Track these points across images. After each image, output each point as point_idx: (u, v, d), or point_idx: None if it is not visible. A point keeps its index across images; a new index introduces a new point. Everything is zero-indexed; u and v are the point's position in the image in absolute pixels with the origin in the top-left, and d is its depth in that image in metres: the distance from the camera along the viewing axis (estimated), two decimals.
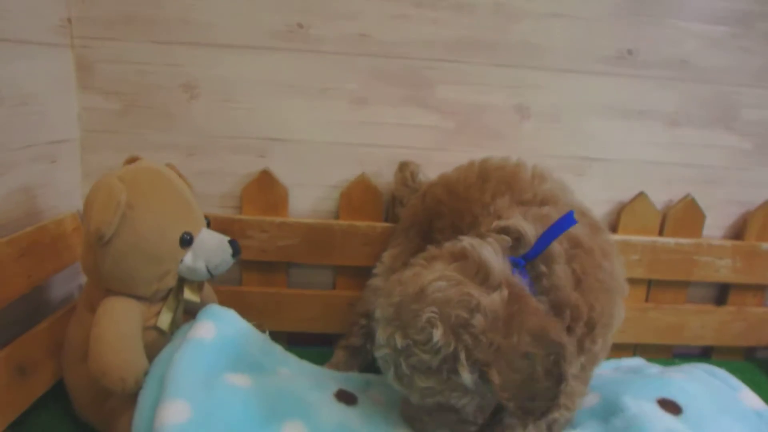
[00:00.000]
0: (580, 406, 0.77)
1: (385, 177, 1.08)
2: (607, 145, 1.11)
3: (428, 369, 0.63)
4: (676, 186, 1.14)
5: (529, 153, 1.07)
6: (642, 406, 0.76)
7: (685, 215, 1.12)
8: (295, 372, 0.85)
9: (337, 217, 1.09)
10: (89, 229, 0.75)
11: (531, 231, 0.70)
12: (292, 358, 0.89)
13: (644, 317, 1.14)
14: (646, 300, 1.16)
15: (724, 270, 1.13)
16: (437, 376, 0.63)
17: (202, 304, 0.90)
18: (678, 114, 1.11)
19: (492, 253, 0.67)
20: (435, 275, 0.65)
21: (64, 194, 1.01)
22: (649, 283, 1.15)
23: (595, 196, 1.10)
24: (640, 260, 1.11)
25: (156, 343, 0.81)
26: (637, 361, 1.06)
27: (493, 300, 0.63)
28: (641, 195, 1.11)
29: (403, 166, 1.05)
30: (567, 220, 0.69)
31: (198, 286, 0.84)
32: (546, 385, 0.62)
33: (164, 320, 0.82)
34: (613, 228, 1.14)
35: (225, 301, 0.86)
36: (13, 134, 0.88)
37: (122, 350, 0.75)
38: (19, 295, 0.83)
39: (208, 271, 0.81)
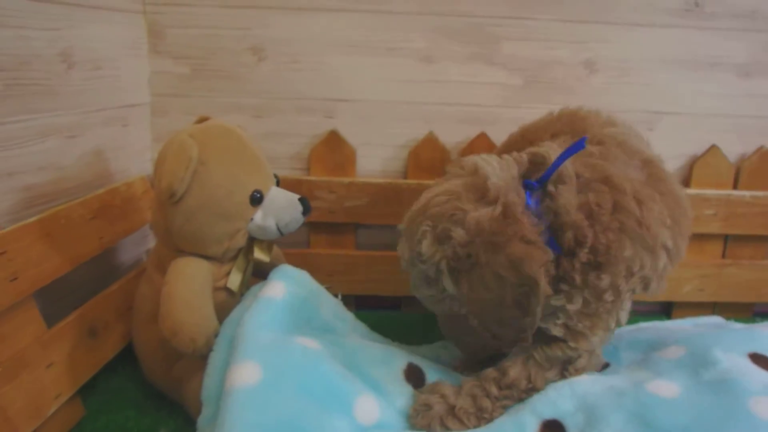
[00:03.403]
0: (595, 347, 0.69)
1: (452, 135, 1.04)
2: (677, 98, 1.04)
3: (428, 278, 0.65)
4: (749, 138, 1.06)
5: (601, 108, 1.02)
6: (734, 360, 0.69)
7: (760, 167, 1.04)
8: (366, 342, 0.79)
9: (405, 176, 1.05)
10: (160, 186, 0.72)
11: (553, 155, 0.66)
12: (362, 328, 0.84)
13: (722, 274, 1.06)
14: (723, 256, 1.08)
15: None
16: (435, 286, 0.65)
17: (272, 266, 0.88)
18: (749, 65, 1.03)
19: (497, 170, 0.65)
20: (440, 189, 0.66)
21: (134, 157, 0.99)
22: (726, 239, 1.07)
23: (666, 151, 0.97)
24: (716, 215, 1.03)
25: (226, 304, 0.77)
26: (716, 319, 0.98)
27: (481, 215, 0.61)
28: (713, 148, 1.04)
29: None
30: (578, 145, 0.65)
31: (267, 246, 0.80)
32: (513, 314, 0.61)
33: (234, 281, 0.79)
34: (686, 182, 1.06)
35: (293, 263, 0.82)
36: (88, 97, 0.85)
37: (193, 310, 0.71)
38: (91, 256, 0.80)
39: (278, 229, 0.77)
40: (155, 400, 0.80)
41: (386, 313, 0.99)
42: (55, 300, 0.79)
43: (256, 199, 0.76)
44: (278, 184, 0.81)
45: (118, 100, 0.92)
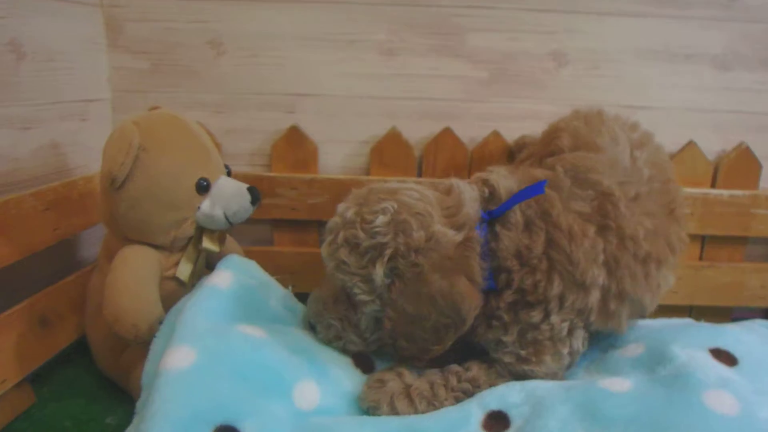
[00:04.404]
0: (554, 370, 0.70)
1: (416, 130, 1.01)
2: (652, 91, 1.00)
3: (356, 246, 0.64)
4: (728, 134, 1.01)
5: (568, 102, 0.96)
6: (692, 354, 0.66)
7: (740, 165, 0.99)
8: None
9: (368, 172, 1.02)
10: (102, 172, 0.72)
11: (505, 188, 0.69)
12: None
13: (699, 276, 1.01)
14: (700, 258, 1.03)
15: None
16: (358, 258, 0.64)
17: (222, 255, 0.86)
18: (726, 56, 0.98)
19: (472, 200, 0.67)
20: (412, 186, 0.68)
21: (95, 153, 0.95)
22: (703, 240, 1.02)
23: None
24: (692, 214, 0.98)
25: (176, 294, 0.76)
26: (687, 321, 0.95)
27: (446, 233, 0.63)
28: (690, 144, 0.99)
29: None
30: (535, 189, 0.67)
31: (218, 237, 0.79)
32: (425, 337, 0.63)
33: (183, 270, 0.78)
34: None
35: (257, 261, 0.81)
36: (40, 90, 0.84)
37: (136, 296, 0.71)
38: (44, 246, 0.80)
39: (227, 218, 0.76)
40: (107, 389, 0.80)
41: None
42: (12, 291, 0.78)
43: (203, 187, 0.75)
44: (229, 174, 0.80)
45: (74, 95, 0.92)
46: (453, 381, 0.68)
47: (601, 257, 0.66)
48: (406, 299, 0.62)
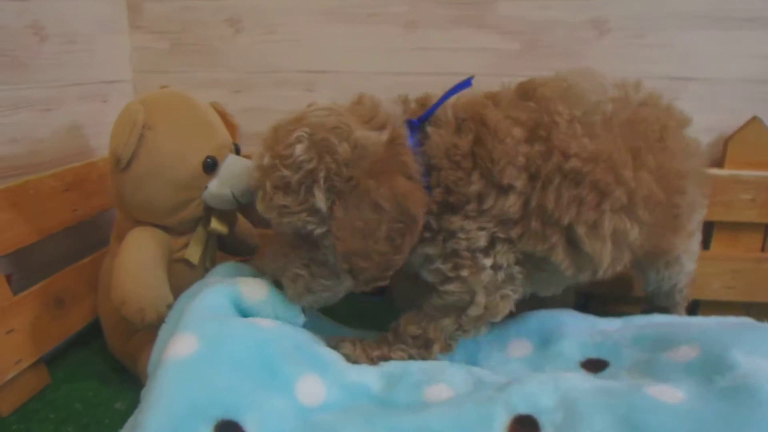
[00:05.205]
0: (474, 287, 0.66)
1: None
2: (707, 61, 0.89)
3: (287, 185, 0.61)
4: None
5: (609, 75, 0.90)
6: (757, 363, 0.56)
7: None
8: (316, 325, 0.75)
9: None
10: (108, 152, 0.71)
11: (436, 96, 0.67)
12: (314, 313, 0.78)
13: (759, 270, 0.90)
14: (762, 249, 0.92)
15: None
16: (294, 195, 0.61)
17: (237, 239, 0.85)
18: None
19: (388, 102, 0.66)
20: (318, 106, 0.65)
21: None
22: (766, 229, 0.91)
23: (693, 124, 0.91)
24: (754, 200, 0.87)
25: (185, 276, 0.75)
26: (745, 321, 0.85)
27: (369, 136, 0.61)
28: (754, 120, 0.87)
29: None
30: (462, 85, 0.66)
31: (228, 217, 0.77)
32: (381, 250, 0.60)
33: (193, 252, 0.76)
34: (719, 162, 0.91)
35: (268, 245, 0.77)
36: (62, 71, 0.86)
37: (142, 280, 0.69)
38: (63, 227, 0.81)
39: (235, 198, 0.73)
40: (119, 372, 0.80)
41: (370, 298, 0.93)
42: (31, 272, 0.80)
43: (210, 166, 0.73)
44: (238, 152, 0.78)
45: (95, 76, 0.93)
46: (390, 338, 0.69)
47: (522, 160, 0.63)
48: (350, 215, 0.59)
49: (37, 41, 0.82)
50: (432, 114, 0.65)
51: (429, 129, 0.65)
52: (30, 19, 0.80)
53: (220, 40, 0.96)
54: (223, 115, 0.96)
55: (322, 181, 0.60)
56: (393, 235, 0.59)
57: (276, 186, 0.62)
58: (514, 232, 0.65)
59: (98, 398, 0.75)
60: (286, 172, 0.61)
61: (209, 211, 0.76)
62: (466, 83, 0.66)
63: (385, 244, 0.60)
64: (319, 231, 0.63)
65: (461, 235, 0.64)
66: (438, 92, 0.66)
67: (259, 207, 0.64)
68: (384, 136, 0.61)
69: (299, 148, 0.60)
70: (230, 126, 0.97)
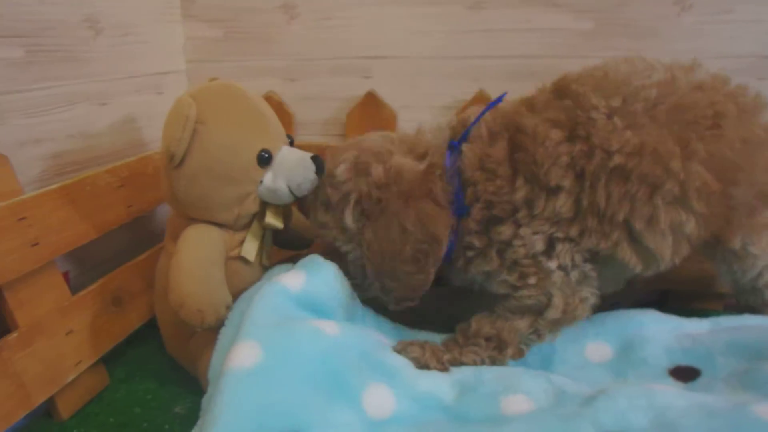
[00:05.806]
0: (550, 288, 0.65)
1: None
2: None
3: (328, 203, 0.67)
4: None
5: (691, 55, 0.82)
6: None
7: None
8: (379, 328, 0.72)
9: None
10: (162, 149, 0.69)
11: (475, 115, 0.68)
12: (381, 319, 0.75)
13: None
14: None
15: None
16: (332, 213, 0.67)
17: (289, 232, 0.81)
18: None
19: (436, 130, 0.69)
20: (380, 134, 0.70)
21: None
22: None
23: None
24: None
25: (242, 274, 0.73)
26: None
27: (405, 163, 0.64)
28: None
29: None
30: (496, 101, 0.68)
31: (283, 211, 0.74)
32: (407, 270, 0.63)
33: (249, 249, 0.73)
34: None
35: None
36: (117, 64, 0.84)
37: (200, 280, 0.67)
38: (119, 224, 0.80)
39: (291, 191, 0.70)
40: (178, 372, 0.79)
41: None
42: (89, 269, 0.79)
43: (264, 159, 0.70)
44: (292, 144, 0.75)
45: (150, 68, 0.91)
46: (460, 339, 0.68)
47: (565, 159, 0.62)
48: (378, 236, 0.63)
49: (92, 35, 0.80)
50: (469, 133, 0.67)
51: (463, 146, 0.66)
52: (85, 13, 0.78)
53: (274, 27, 0.93)
54: (279, 105, 0.94)
55: (353, 202, 0.64)
56: (418, 257, 0.63)
57: (320, 201, 0.68)
58: (573, 231, 0.63)
59: (157, 401, 0.74)
60: (329, 191, 0.67)
61: (264, 205, 0.73)
62: (498, 99, 0.68)
63: (410, 265, 0.63)
64: (345, 248, 0.68)
65: (517, 243, 0.64)
66: (493, 94, 0.67)
67: (310, 218, 0.70)
68: (422, 165, 0.65)
69: (341, 169, 0.65)
70: (286, 115, 0.94)
